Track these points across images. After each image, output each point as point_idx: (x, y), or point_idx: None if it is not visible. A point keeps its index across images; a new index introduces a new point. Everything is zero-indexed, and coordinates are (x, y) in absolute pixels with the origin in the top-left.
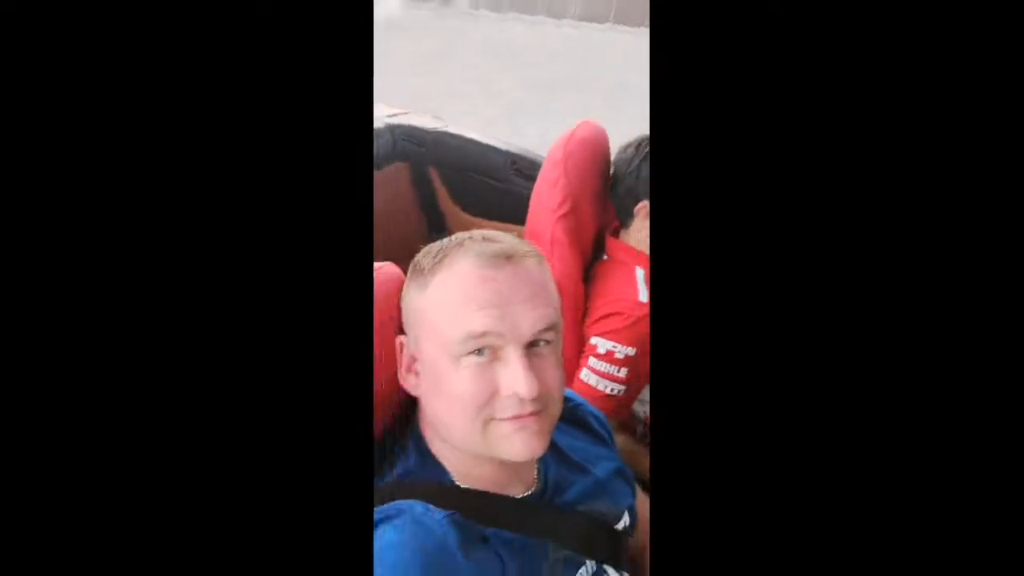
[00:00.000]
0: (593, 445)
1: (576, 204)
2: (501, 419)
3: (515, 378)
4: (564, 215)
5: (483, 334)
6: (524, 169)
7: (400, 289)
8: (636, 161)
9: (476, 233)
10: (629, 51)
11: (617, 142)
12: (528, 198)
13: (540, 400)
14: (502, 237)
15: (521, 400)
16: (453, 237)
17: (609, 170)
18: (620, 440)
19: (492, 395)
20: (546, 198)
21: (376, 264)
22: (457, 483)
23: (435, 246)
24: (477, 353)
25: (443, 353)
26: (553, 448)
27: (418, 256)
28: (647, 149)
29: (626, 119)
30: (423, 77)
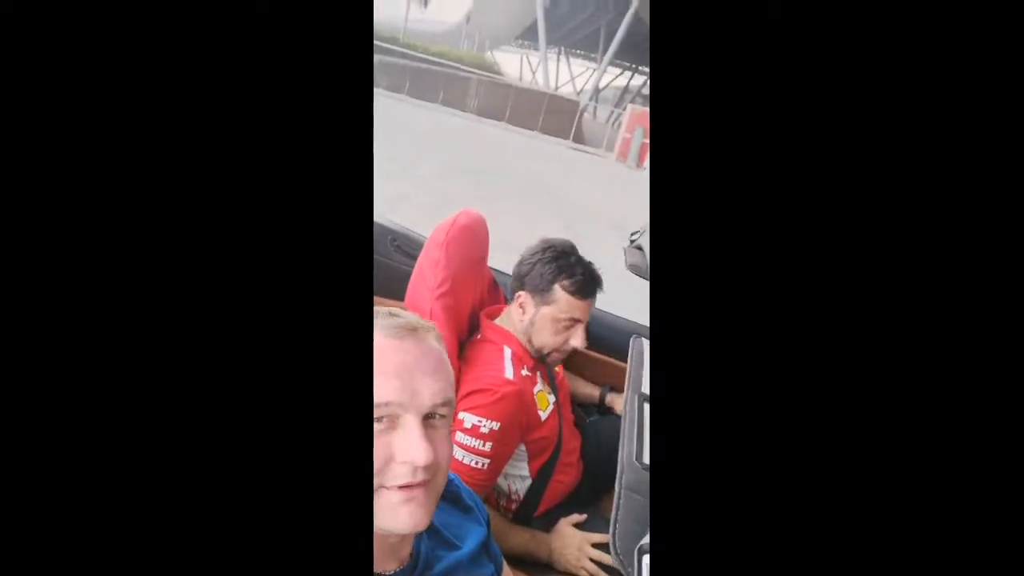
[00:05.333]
0: (464, 520)
1: (455, 285)
2: (390, 487)
3: (412, 445)
4: (443, 294)
5: (386, 403)
6: (404, 247)
7: None
8: (537, 258)
9: (382, 309)
10: (524, 150)
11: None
12: (406, 275)
13: (431, 470)
14: (405, 313)
15: (414, 469)
16: None
17: (487, 256)
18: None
19: (387, 461)
20: (428, 276)
21: None
22: None
23: None
24: (376, 421)
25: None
26: (430, 524)
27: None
28: (551, 255)
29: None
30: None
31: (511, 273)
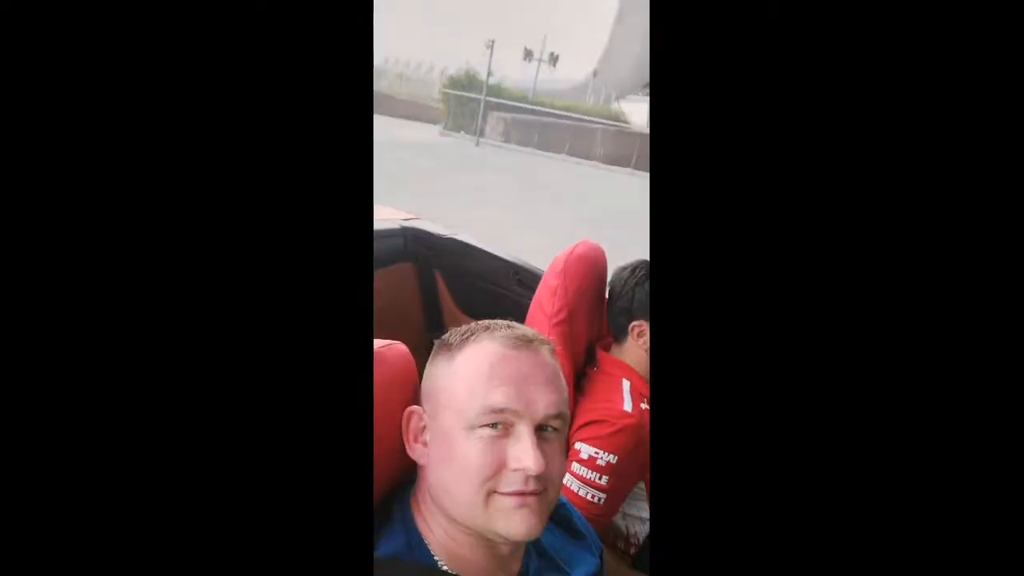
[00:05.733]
0: (575, 547)
1: (572, 313)
2: (504, 493)
3: (524, 453)
4: (560, 322)
5: (501, 409)
6: (525, 280)
7: (408, 366)
8: (631, 283)
9: (500, 321)
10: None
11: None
12: (526, 307)
13: (543, 481)
14: (522, 326)
15: (526, 477)
16: (480, 322)
17: (605, 287)
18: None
19: (499, 468)
20: (545, 305)
21: (386, 342)
22: (444, 567)
23: (463, 327)
24: (491, 426)
25: (459, 423)
26: (537, 543)
27: (446, 335)
28: (642, 272)
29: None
30: (475, 208)
31: (612, 309)
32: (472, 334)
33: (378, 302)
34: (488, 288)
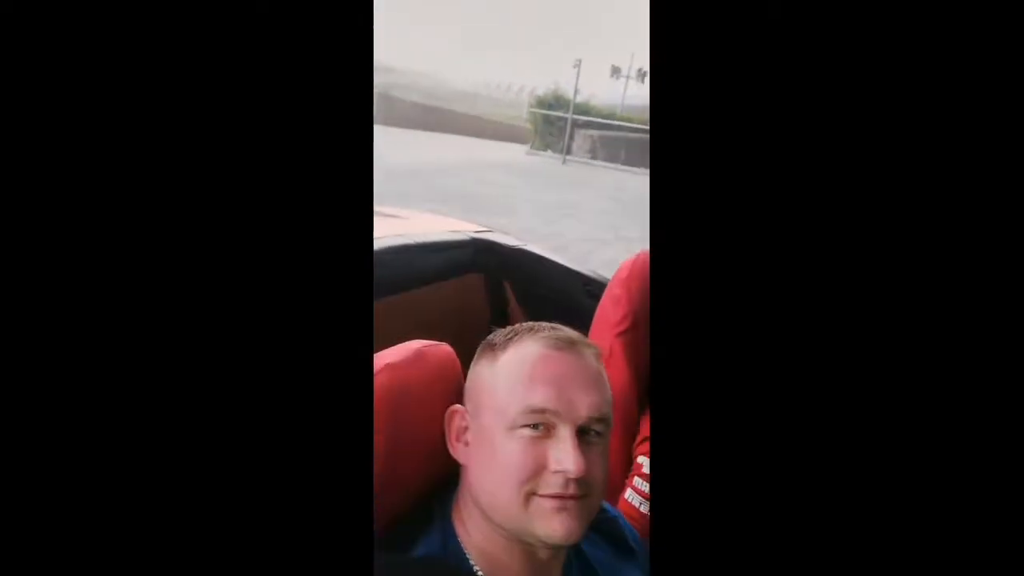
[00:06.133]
0: (621, 561)
1: (636, 322)
2: (543, 495)
3: (565, 455)
4: (623, 331)
5: (542, 410)
6: (595, 291)
7: (452, 366)
8: None
9: (544, 324)
10: None
11: None
12: None
13: (584, 485)
14: (567, 328)
15: (567, 480)
16: (525, 323)
17: None
18: None
19: (539, 469)
20: (609, 313)
21: (431, 342)
22: (478, 571)
23: (507, 328)
24: (532, 427)
25: (499, 423)
26: (580, 554)
27: (491, 336)
28: None
29: None
30: (559, 222)
31: None
32: (516, 335)
33: (446, 312)
34: (557, 299)
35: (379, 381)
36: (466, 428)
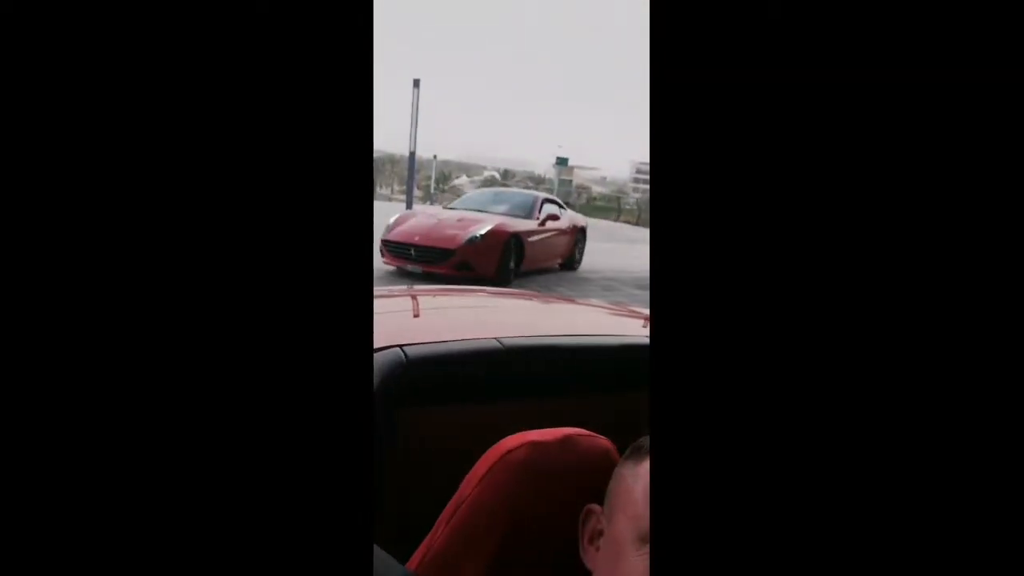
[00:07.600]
0: None
1: None
2: None
3: None
4: None
5: None
6: None
7: (604, 460)
8: None
9: None
10: None
11: None
12: None
13: None
14: None
15: None
16: None
17: None
18: None
19: None
20: None
21: (589, 433)
22: None
23: None
24: None
25: (631, 532)
26: None
27: (641, 439)
28: None
29: None
30: None
31: None
32: None
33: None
34: None
35: (515, 456)
36: (600, 532)
